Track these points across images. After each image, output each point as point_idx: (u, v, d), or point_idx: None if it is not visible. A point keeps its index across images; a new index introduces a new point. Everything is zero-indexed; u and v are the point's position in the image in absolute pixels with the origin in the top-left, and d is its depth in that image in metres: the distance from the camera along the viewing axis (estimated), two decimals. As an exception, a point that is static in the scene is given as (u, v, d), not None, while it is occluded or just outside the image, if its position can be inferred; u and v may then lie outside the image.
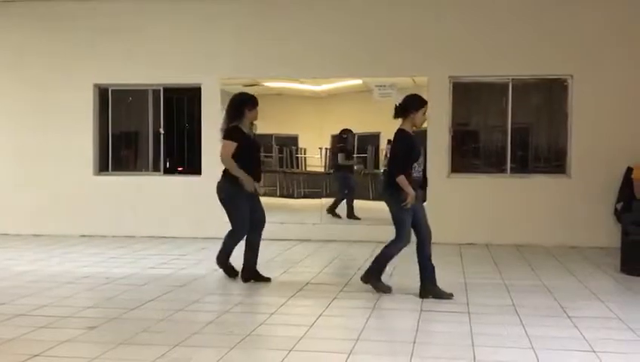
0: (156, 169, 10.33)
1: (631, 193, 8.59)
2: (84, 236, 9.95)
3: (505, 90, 9.48)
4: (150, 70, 10.03)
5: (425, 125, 7.39)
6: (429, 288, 5.91)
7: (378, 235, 6.10)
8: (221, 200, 6.51)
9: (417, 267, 5.94)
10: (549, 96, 9.78)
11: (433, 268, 5.91)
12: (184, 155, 10.39)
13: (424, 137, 9.26)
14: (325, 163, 10.01)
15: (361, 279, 6.17)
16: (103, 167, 10.38)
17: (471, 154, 9.96)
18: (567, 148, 9.37)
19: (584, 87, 9.19)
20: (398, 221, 5.90)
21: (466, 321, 5.14)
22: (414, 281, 6.03)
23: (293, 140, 10.13)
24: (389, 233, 6.03)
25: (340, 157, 9.91)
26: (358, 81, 9.87)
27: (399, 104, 5.97)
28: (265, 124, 8.69)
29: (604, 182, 9.06)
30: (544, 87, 9.68)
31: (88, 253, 8.45)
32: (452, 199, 9.36)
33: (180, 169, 10.40)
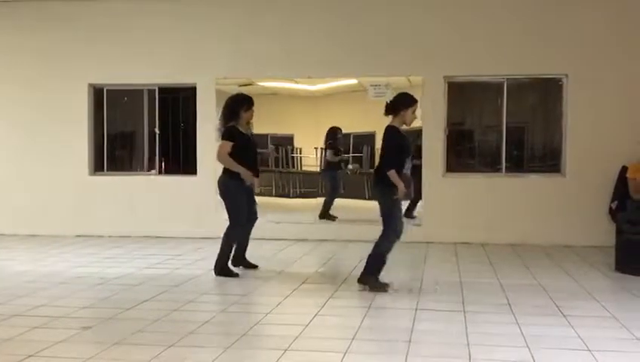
0: (151, 169, 10.32)
1: (625, 192, 8.59)
2: (79, 236, 9.93)
3: (500, 89, 9.49)
4: (145, 70, 10.00)
5: (417, 124, 7.42)
6: (368, 278, 6.06)
7: (375, 235, 6.10)
8: (222, 193, 6.81)
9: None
10: (544, 95, 9.80)
11: (385, 262, 6.04)
12: (179, 155, 10.38)
13: (418, 136, 9.29)
14: (320, 162, 10.01)
15: (358, 281, 6.18)
16: (98, 167, 10.36)
17: (466, 153, 9.98)
18: (562, 148, 9.38)
19: (579, 87, 9.20)
20: (388, 215, 6.00)
21: (462, 320, 5.15)
22: (410, 281, 6.03)
23: (288, 140, 10.14)
24: (385, 232, 6.03)
25: (329, 153, 9.91)
26: (353, 81, 9.87)
27: (390, 101, 6.17)
28: (260, 123, 8.71)
29: (599, 181, 9.07)
30: (539, 86, 9.70)
31: (84, 253, 8.44)
32: (447, 198, 9.36)
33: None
